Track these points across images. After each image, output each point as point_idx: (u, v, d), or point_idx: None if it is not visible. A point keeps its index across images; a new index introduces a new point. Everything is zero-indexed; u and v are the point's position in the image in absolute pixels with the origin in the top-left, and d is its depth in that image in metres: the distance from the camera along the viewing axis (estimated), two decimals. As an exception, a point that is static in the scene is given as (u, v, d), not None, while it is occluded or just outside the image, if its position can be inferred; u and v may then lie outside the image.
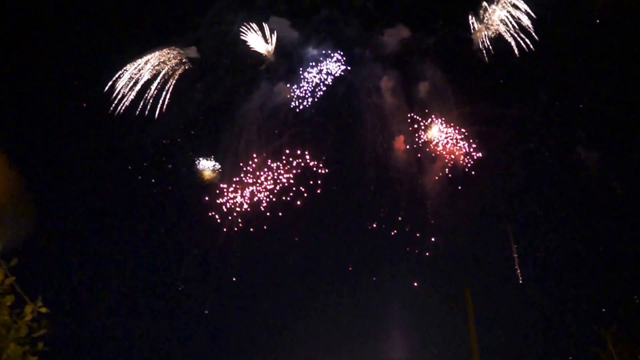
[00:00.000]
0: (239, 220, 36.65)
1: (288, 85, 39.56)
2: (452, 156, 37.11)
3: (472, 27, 37.93)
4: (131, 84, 37.62)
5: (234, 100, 39.13)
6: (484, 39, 36.99)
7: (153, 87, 37.79)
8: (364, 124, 39.61)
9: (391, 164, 38.53)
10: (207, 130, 38.81)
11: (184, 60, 38.56)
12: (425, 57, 39.31)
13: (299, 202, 37.36)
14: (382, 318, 34.77)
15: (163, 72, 37.99)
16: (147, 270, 37.89)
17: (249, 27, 38.78)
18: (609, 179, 36.35)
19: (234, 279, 37.15)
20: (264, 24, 38.93)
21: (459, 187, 37.13)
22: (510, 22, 36.64)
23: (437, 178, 37.22)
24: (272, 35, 39.00)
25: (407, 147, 38.01)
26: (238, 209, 36.70)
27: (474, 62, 37.58)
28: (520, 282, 34.83)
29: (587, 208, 36.71)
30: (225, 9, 39.30)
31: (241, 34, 38.80)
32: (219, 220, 36.58)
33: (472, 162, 36.96)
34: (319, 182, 37.86)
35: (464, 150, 37.03)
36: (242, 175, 37.38)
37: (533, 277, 35.71)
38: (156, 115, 37.66)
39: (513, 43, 36.60)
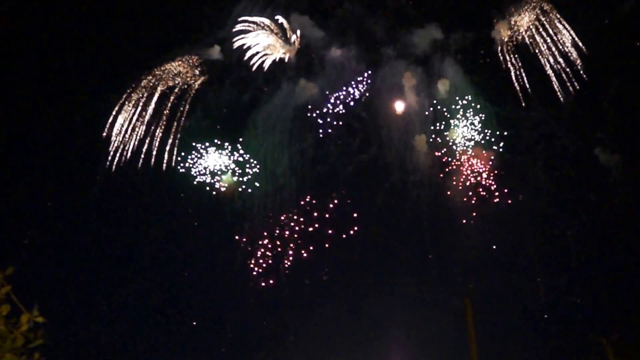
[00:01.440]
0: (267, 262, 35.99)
1: (312, 105, 37.73)
2: (475, 160, 36.49)
3: (497, 30, 36.68)
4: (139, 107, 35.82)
5: (258, 103, 37.42)
6: (509, 47, 36.12)
7: (168, 102, 35.88)
8: (388, 128, 38.69)
9: (414, 168, 37.88)
10: (228, 138, 37.01)
11: (202, 69, 36.78)
12: (451, 58, 38.12)
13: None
14: (382, 328, 34.62)
15: (177, 89, 36.26)
16: (155, 290, 36.88)
17: (268, 27, 37.26)
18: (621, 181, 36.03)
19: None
20: (285, 24, 37.36)
21: (478, 196, 36.56)
22: (537, 27, 35.92)
23: (457, 185, 36.64)
24: (295, 35, 37.33)
25: (430, 153, 37.22)
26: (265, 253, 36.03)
27: (500, 66, 36.43)
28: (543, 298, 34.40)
29: (587, 212, 36.55)
30: (249, 8, 37.27)
31: (260, 34, 37.06)
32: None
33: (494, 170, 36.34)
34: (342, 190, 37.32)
35: (487, 155, 36.39)
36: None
37: (530, 284, 35.57)
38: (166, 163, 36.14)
39: (540, 51, 35.95)
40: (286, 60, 37.61)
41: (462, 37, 38.23)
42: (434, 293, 34.78)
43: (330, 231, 36.47)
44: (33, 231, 33.08)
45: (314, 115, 37.76)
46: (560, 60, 35.68)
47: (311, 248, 36.02)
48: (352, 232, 36.73)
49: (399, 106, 38.16)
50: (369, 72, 38.48)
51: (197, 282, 36.88)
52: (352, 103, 38.34)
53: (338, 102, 38.09)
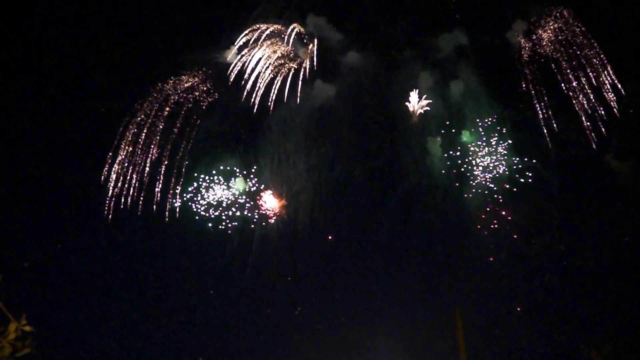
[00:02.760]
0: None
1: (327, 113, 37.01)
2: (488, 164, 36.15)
3: (519, 41, 35.85)
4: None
5: (274, 106, 36.24)
6: (529, 61, 35.49)
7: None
8: (401, 135, 38.19)
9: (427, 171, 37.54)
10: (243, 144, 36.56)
11: (213, 84, 35.92)
12: (470, 65, 37.01)
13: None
14: (375, 339, 34.57)
15: (185, 107, 35.38)
16: (145, 297, 36.66)
17: (284, 35, 36.58)
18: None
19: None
20: (301, 31, 36.86)
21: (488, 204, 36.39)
22: (559, 38, 35.30)
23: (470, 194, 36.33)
24: (312, 44, 36.67)
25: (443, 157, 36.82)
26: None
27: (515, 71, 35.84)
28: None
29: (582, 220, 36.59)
30: (265, 15, 36.59)
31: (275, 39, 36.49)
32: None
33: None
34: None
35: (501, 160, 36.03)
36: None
37: (522, 294, 35.57)
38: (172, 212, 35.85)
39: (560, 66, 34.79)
40: (301, 69, 36.95)
41: (482, 46, 37.72)
42: (428, 304, 34.84)
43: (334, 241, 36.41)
44: (31, 256, 33.02)
45: (330, 125, 37.44)
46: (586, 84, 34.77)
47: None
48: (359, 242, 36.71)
49: (413, 113, 37.81)
50: (385, 75, 37.89)
51: (189, 297, 36.66)
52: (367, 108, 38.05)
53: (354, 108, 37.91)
